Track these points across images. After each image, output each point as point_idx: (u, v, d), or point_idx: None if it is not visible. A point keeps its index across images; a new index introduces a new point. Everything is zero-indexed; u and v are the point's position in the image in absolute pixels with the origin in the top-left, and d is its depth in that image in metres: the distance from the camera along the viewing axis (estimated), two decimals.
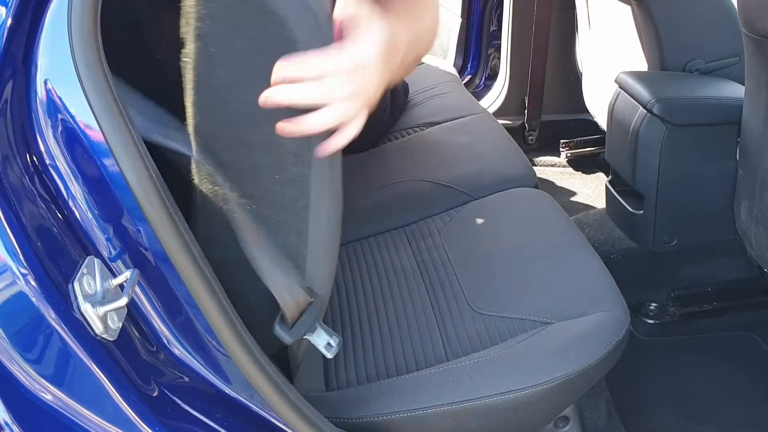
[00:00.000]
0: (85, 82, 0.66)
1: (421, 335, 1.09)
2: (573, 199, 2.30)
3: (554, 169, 2.48)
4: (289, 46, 0.70)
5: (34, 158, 0.69)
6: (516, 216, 1.35)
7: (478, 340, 1.06)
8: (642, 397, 1.47)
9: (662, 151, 1.49)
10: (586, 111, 2.18)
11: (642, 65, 1.76)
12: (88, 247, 0.70)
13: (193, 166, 0.78)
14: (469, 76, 2.64)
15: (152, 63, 1.07)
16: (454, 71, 2.13)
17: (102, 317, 0.66)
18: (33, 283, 0.64)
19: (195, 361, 0.75)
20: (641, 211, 1.59)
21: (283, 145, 0.74)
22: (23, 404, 0.65)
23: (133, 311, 0.72)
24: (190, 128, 0.76)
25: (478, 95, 2.55)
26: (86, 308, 0.66)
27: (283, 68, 0.68)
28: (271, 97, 0.68)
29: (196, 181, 0.79)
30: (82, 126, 0.67)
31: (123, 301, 0.67)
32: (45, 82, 0.68)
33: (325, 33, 0.72)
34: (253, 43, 0.71)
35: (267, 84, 0.69)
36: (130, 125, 0.68)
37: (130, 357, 0.69)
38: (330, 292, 0.90)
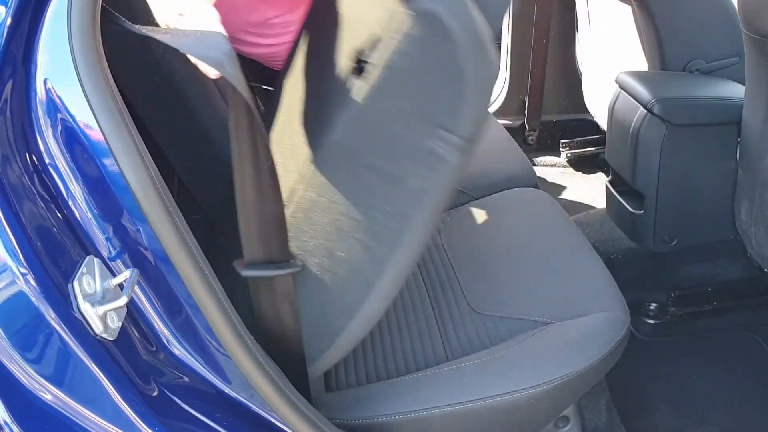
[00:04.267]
0: (85, 81, 0.66)
1: (420, 335, 1.08)
2: (573, 199, 2.30)
3: (554, 169, 2.48)
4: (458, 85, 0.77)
5: (34, 158, 0.69)
6: (516, 216, 1.35)
7: (478, 341, 1.05)
8: (642, 397, 1.47)
9: (662, 151, 1.49)
10: (587, 111, 2.18)
11: (642, 65, 1.76)
12: (88, 247, 0.70)
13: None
14: None
15: (154, 62, 1.07)
16: None
17: (102, 317, 0.66)
18: (33, 282, 0.64)
19: (195, 361, 0.75)
20: (641, 211, 1.59)
21: (404, 182, 0.81)
22: (23, 404, 0.65)
23: (132, 311, 0.72)
24: (325, 137, 0.83)
25: None
26: (86, 308, 0.65)
27: None
28: None
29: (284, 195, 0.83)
30: (81, 125, 0.67)
31: (123, 301, 0.67)
32: (45, 82, 0.68)
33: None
34: (427, 85, 0.79)
35: (418, 126, 0.79)
36: (130, 125, 0.68)
37: (129, 357, 0.69)
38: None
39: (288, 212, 0.84)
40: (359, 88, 0.82)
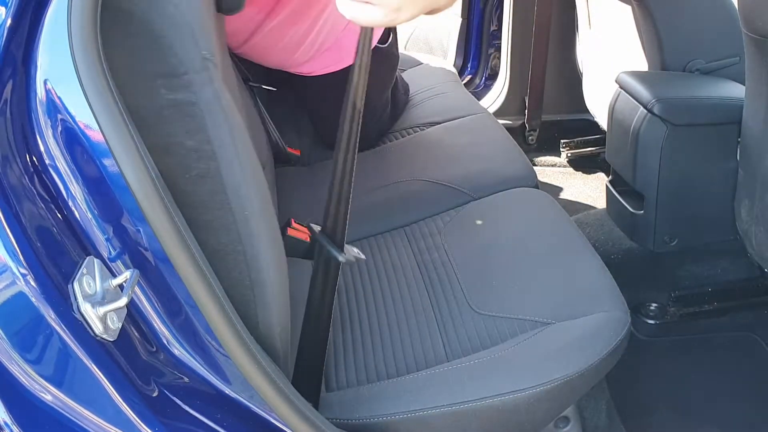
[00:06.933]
0: (85, 82, 0.66)
1: (421, 336, 1.09)
2: (573, 199, 2.30)
3: (555, 169, 2.48)
4: (162, 49, 0.72)
5: (34, 158, 0.69)
6: (516, 216, 1.35)
7: (478, 341, 1.05)
8: (642, 397, 1.47)
9: (663, 151, 1.49)
10: (587, 111, 2.18)
11: (642, 65, 1.76)
12: (88, 248, 0.70)
13: None
14: (470, 76, 2.64)
15: None
16: (454, 71, 2.13)
17: (102, 317, 0.66)
18: (33, 283, 0.64)
19: (195, 362, 0.75)
20: (642, 211, 1.59)
21: (182, 144, 0.75)
22: (23, 404, 0.65)
23: (132, 311, 0.72)
24: None
25: (479, 95, 2.55)
26: (86, 308, 0.65)
27: None
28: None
29: None
30: (81, 126, 0.67)
31: (123, 302, 0.67)
32: (45, 82, 0.68)
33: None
34: (131, 49, 0.72)
35: (150, 88, 0.72)
36: (130, 125, 0.68)
37: (129, 357, 0.69)
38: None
39: None
40: None
